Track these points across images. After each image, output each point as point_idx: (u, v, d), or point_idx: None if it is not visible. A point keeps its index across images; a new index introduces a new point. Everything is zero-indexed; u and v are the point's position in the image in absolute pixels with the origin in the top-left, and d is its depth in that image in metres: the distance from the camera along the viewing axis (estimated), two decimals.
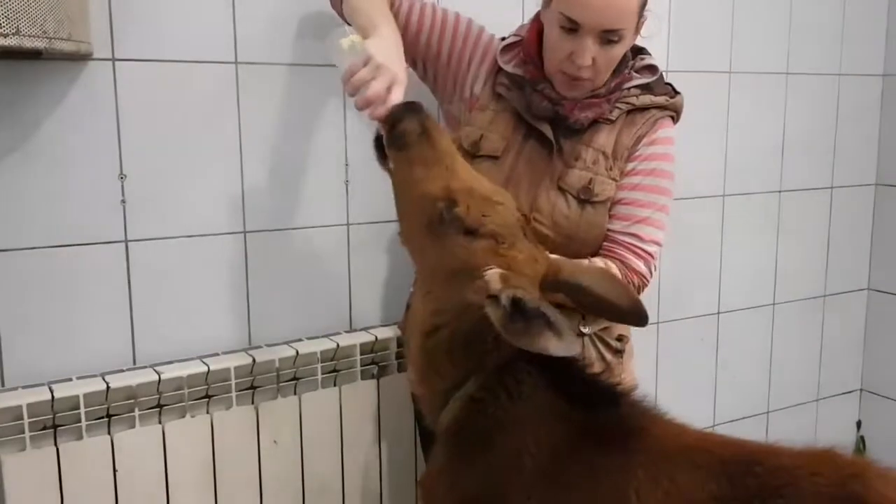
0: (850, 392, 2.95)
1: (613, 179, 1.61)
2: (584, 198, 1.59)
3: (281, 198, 1.80)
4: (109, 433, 1.57)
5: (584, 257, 1.59)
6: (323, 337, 1.84)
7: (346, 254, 1.89)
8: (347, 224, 1.88)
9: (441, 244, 1.28)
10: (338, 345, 1.80)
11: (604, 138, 1.62)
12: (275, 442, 1.74)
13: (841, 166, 2.77)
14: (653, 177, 1.61)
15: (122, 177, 1.63)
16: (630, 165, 1.62)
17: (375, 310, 1.94)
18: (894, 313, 2.85)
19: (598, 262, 1.56)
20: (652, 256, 1.60)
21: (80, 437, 1.54)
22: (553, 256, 1.37)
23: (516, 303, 1.18)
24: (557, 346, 1.17)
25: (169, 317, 1.71)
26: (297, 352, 1.75)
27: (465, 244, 1.26)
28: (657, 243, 1.61)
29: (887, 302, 2.87)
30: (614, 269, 1.55)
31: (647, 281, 1.60)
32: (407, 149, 1.33)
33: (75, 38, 1.43)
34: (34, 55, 1.46)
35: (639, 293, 1.57)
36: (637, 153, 1.62)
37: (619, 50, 1.55)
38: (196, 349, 1.72)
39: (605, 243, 1.61)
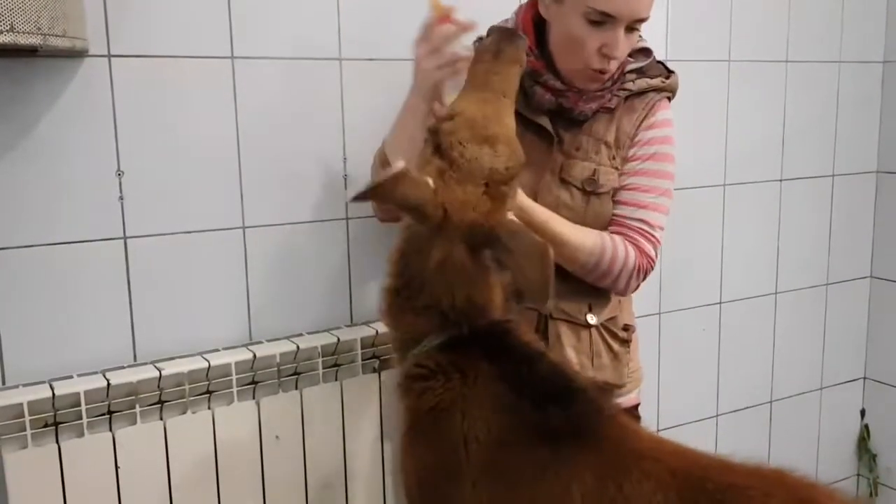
0: (853, 380, 2.95)
1: (616, 168, 1.60)
2: (590, 189, 1.58)
3: (279, 192, 1.80)
4: (111, 430, 1.56)
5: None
6: (324, 331, 1.83)
7: (345, 248, 1.89)
8: (347, 218, 1.88)
9: (423, 149, 1.32)
10: (339, 339, 1.79)
11: (603, 127, 1.61)
12: (277, 437, 1.73)
13: (842, 154, 2.76)
14: (653, 160, 1.61)
15: (119, 173, 1.63)
16: (631, 151, 1.62)
17: (376, 304, 1.92)
18: None
19: (618, 240, 1.56)
20: (658, 241, 1.60)
21: (81, 435, 1.53)
22: (510, 218, 1.31)
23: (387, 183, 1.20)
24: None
25: (169, 313, 1.71)
26: (298, 346, 1.75)
27: (429, 154, 1.29)
28: (662, 228, 1.62)
29: (890, 290, 2.86)
30: (629, 249, 1.56)
31: (654, 265, 1.61)
32: (479, 62, 1.35)
33: (70, 35, 1.42)
34: (29, 52, 1.46)
35: (645, 277, 1.60)
36: (637, 138, 1.62)
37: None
38: (196, 345, 1.72)
39: (614, 227, 1.60)
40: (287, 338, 1.79)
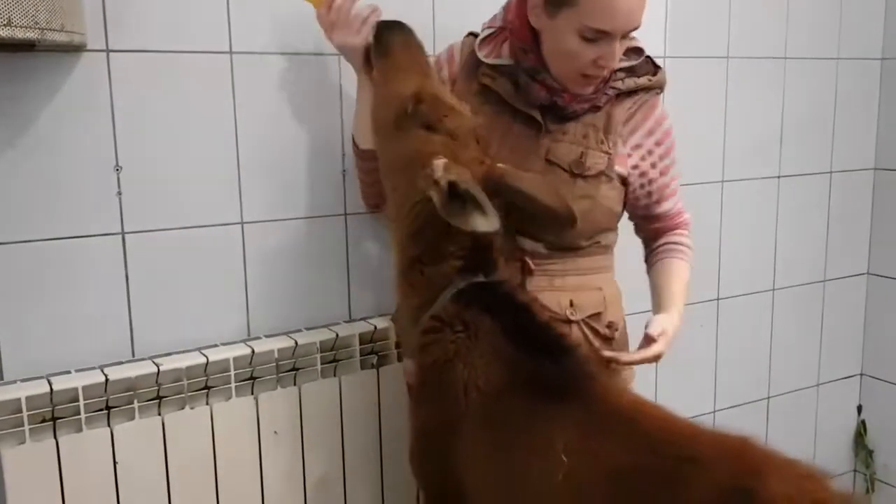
0: (850, 377, 2.95)
1: (605, 153, 1.61)
2: (577, 172, 1.60)
3: (278, 188, 1.80)
4: (109, 425, 1.56)
5: (579, 235, 1.63)
6: (322, 327, 1.83)
7: (344, 243, 1.89)
8: (345, 214, 1.88)
9: (404, 136, 1.42)
10: (337, 335, 1.79)
11: (591, 116, 1.63)
12: (275, 433, 1.74)
13: (840, 151, 2.76)
14: (668, 157, 1.71)
15: (117, 168, 1.62)
16: (649, 154, 1.67)
17: (374, 299, 1.93)
18: (894, 297, 2.85)
19: (679, 238, 1.79)
20: (686, 214, 1.82)
21: (79, 430, 1.53)
22: (500, 165, 1.44)
23: (452, 186, 1.31)
24: (482, 222, 1.30)
25: (167, 308, 1.71)
26: (297, 342, 1.75)
27: (423, 136, 1.40)
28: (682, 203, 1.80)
29: (887, 286, 2.86)
30: (687, 233, 1.80)
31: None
32: (391, 55, 1.50)
33: (68, 30, 1.41)
34: (27, 47, 1.45)
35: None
36: (650, 140, 1.66)
37: (629, 39, 1.56)
38: (195, 340, 1.72)
39: (657, 224, 1.77)
40: (285, 333, 1.79)
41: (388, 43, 1.51)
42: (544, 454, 1.25)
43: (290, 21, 1.75)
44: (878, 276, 2.89)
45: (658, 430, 1.24)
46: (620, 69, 1.62)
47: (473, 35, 1.69)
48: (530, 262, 1.62)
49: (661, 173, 1.70)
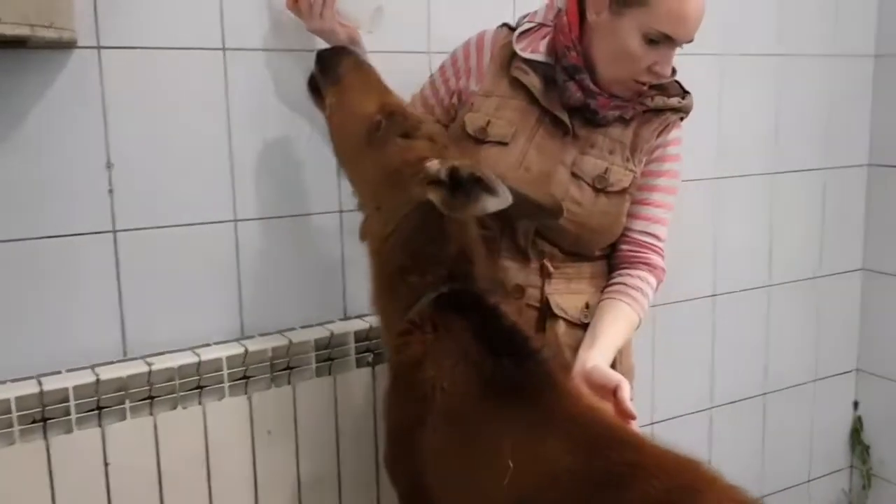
0: (846, 373, 2.95)
1: (631, 171, 1.60)
2: (600, 187, 1.58)
3: (272, 185, 1.78)
4: (100, 426, 1.55)
5: (596, 246, 1.63)
6: (317, 325, 1.82)
7: (339, 241, 1.87)
8: (340, 211, 1.86)
9: (381, 151, 1.40)
10: (332, 333, 1.78)
11: (619, 131, 1.61)
12: (269, 432, 1.72)
13: (834, 147, 2.75)
14: (667, 177, 1.66)
15: (109, 166, 1.61)
16: (648, 167, 1.63)
17: (370, 297, 1.92)
18: (889, 293, 2.84)
19: (634, 281, 1.62)
20: (664, 252, 1.66)
21: (69, 431, 1.52)
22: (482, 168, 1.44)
23: (453, 174, 1.27)
24: (495, 202, 1.26)
25: (159, 307, 1.69)
26: (291, 341, 1.73)
27: (404, 144, 1.39)
28: (665, 240, 1.67)
29: (882, 282, 2.86)
30: (650, 278, 1.62)
31: (665, 272, 1.66)
32: (343, 79, 1.49)
33: (58, 26, 1.40)
34: (18, 44, 1.44)
35: (658, 288, 1.66)
36: (654, 155, 1.64)
37: None
38: (187, 340, 1.70)
39: (624, 246, 1.65)
40: (279, 332, 1.78)
41: (336, 68, 1.51)
42: (494, 458, 1.23)
43: (282, 17, 1.73)
44: (872, 271, 2.89)
45: (607, 435, 1.23)
46: (652, 86, 1.60)
47: (508, 27, 1.67)
48: (549, 264, 1.61)
49: (654, 189, 1.65)
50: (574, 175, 1.58)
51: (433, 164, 1.33)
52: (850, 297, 2.92)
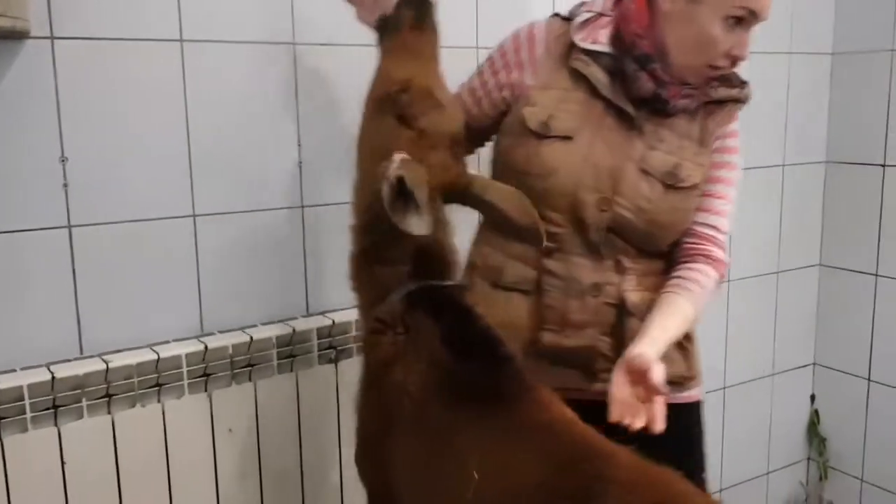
0: (803, 367, 3.01)
1: (701, 165, 1.58)
2: (670, 183, 1.54)
3: (231, 179, 1.76)
4: (56, 425, 1.52)
5: (665, 242, 1.60)
6: (278, 322, 1.80)
7: (301, 236, 1.86)
8: (302, 206, 1.85)
9: (379, 121, 1.38)
10: (294, 329, 1.77)
11: (685, 124, 1.58)
12: (230, 431, 1.70)
13: (792, 144, 2.80)
14: (728, 169, 1.62)
15: (63, 160, 1.58)
16: (711, 158, 1.61)
17: (332, 293, 1.90)
18: (845, 289, 2.90)
19: (693, 274, 1.57)
20: (725, 244, 1.64)
21: (24, 430, 1.49)
22: (472, 173, 1.42)
23: (400, 182, 1.25)
24: (415, 224, 1.25)
25: (116, 304, 1.66)
26: (252, 337, 1.72)
27: (394, 127, 1.35)
28: (728, 232, 1.65)
29: (838, 277, 2.92)
30: (710, 271, 1.58)
31: (727, 265, 1.63)
32: (398, 32, 1.41)
33: (10, 15, 1.37)
34: None
35: (721, 281, 1.62)
36: (716, 146, 1.61)
37: None
38: (146, 337, 1.68)
39: (686, 238, 1.61)
40: (240, 329, 1.76)
41: (400, 18, 1.41)
42: (459, 468, 1.20)
43: (242, 8, 1.71)
44: (829, 266, 2.94)
45: (578, 446, 1.19)
46: (714, 78, 1.58)
47: (561, 17, 1.62)
48: (624, 260, 1.58)
49: (716, 181, 1.62)
50: (643, 171, 1.54)
51: (392, 163, 1.29)
52: (808, 293, 2.97)
